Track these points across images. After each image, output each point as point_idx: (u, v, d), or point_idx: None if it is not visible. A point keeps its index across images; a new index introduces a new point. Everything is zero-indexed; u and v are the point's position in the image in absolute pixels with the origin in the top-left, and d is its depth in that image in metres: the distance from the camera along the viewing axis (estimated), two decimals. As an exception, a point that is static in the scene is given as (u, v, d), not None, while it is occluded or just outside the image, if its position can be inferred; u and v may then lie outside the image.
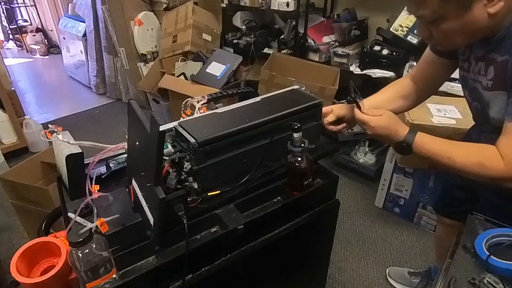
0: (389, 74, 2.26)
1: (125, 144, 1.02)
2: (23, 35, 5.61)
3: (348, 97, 1.01)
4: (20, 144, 2.86)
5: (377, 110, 0.96)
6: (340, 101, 2.50)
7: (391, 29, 2.27)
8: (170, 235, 0.86)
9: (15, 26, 5.67)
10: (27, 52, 5.61)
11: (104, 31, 3.47)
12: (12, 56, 5.54)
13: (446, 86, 2.03)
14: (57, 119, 3.55)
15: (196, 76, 2.77)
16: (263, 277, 1.13)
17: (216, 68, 2.78)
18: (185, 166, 0.94)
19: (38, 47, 5.47)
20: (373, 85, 2.39)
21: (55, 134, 0.96)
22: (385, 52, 2.31)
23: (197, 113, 1.16)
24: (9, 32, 5.85)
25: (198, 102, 1.21)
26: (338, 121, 1.12)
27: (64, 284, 0.80)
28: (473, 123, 1.11)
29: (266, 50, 2.90)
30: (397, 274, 1.80)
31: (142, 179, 0.87)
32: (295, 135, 0.97)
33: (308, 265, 1.31)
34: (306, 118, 1.11)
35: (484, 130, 1.02)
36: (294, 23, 2.63)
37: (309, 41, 2.64)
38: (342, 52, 2.49)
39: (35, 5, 5.61)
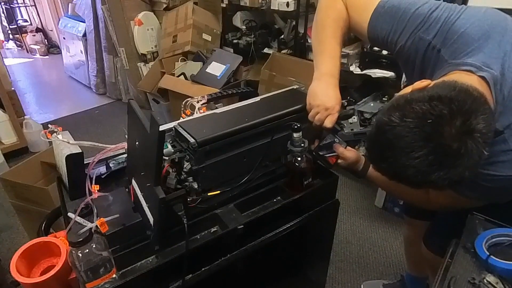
0: (389, 74, 2.26)
1: (125, 144, 1.02)
2: (23, 35, 5.59)
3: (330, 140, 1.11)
4: (20, 144, 2.85)
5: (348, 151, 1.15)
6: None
7: (391, 29, 2.26)
8: (170, 235, 0.86)
9: (15, 26, 5.65)
10: (27, 52, 5.60)
11: (104, 31, 3.47)
12: (12, 56, 5.54)
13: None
14: (57, 119, 3.54)
15: (196, 76, 2.77)
16: (263, 277, 1.13)
17: (216, 68, 2.78)
18: (185, 166, 0.94)
19: (38, 47, 5.46)
20: (373, 85, 2.40)
21: (55, 134, 0.96)
22: (385, 52, 2.30)
23: (197, 113, 1.16)
24: (9, 32, 5.84)
25: (198, 102, 1.21)
26: None
27: (64, 284, 0.80)
28: None
29: (266, 50, 2.89)
30: None
31: (142, 179, 0.87)
32: (295, 135, 0.98)
33: (308, 265, 1.31)
34: (306, 118, 1.11)
35: None
36: (294, 23, 2.63)
37: (309, 41, 2.63)
38: (342, 52, 2.49)
39: (35, 5, 5.60)
